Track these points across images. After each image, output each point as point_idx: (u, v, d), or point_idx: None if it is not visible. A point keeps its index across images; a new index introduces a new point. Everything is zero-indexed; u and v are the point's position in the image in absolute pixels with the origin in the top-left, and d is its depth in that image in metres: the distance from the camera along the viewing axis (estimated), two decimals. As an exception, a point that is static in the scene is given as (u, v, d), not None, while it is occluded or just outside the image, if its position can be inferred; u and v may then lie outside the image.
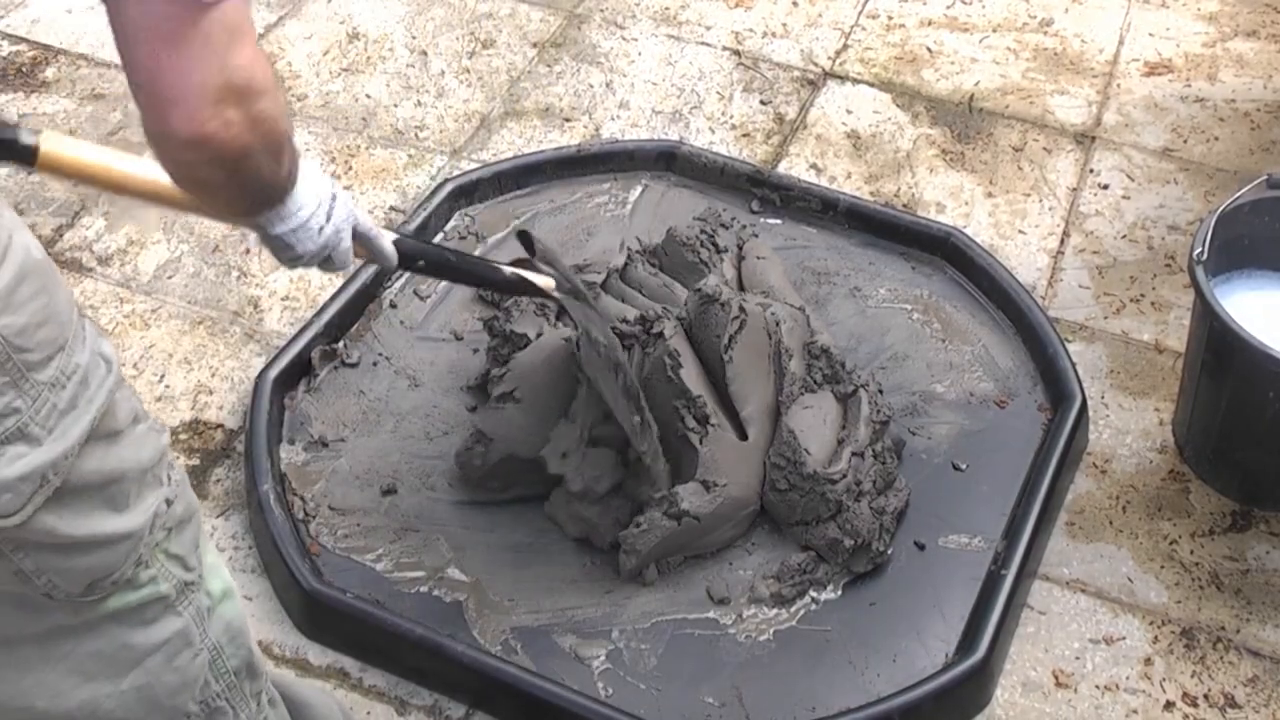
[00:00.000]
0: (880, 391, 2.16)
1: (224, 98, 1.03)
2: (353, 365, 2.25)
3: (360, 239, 1.48)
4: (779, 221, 2.53)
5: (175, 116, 1.03)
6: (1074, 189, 2.62)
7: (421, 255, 1.68)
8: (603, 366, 1.92)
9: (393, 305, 2.35)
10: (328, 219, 1.36)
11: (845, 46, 2.97)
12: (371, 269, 2.34)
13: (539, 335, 2.13)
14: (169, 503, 1.25)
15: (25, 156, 1.24)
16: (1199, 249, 1.96)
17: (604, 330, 1.92)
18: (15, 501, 1.08)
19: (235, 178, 1.13)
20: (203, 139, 1.04)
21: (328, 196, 1.36)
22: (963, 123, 2.77)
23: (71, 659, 1.23)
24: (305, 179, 1.30)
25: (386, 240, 1.55)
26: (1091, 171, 2.66)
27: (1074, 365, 2.21)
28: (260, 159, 1.12)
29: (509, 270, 1.83)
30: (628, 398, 1.90)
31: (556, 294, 1.85)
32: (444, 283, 2.39)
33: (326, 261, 1.40)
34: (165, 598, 1.26)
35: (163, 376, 2.28)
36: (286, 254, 1.35)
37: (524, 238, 1.82)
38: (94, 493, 1.16)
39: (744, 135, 2.74)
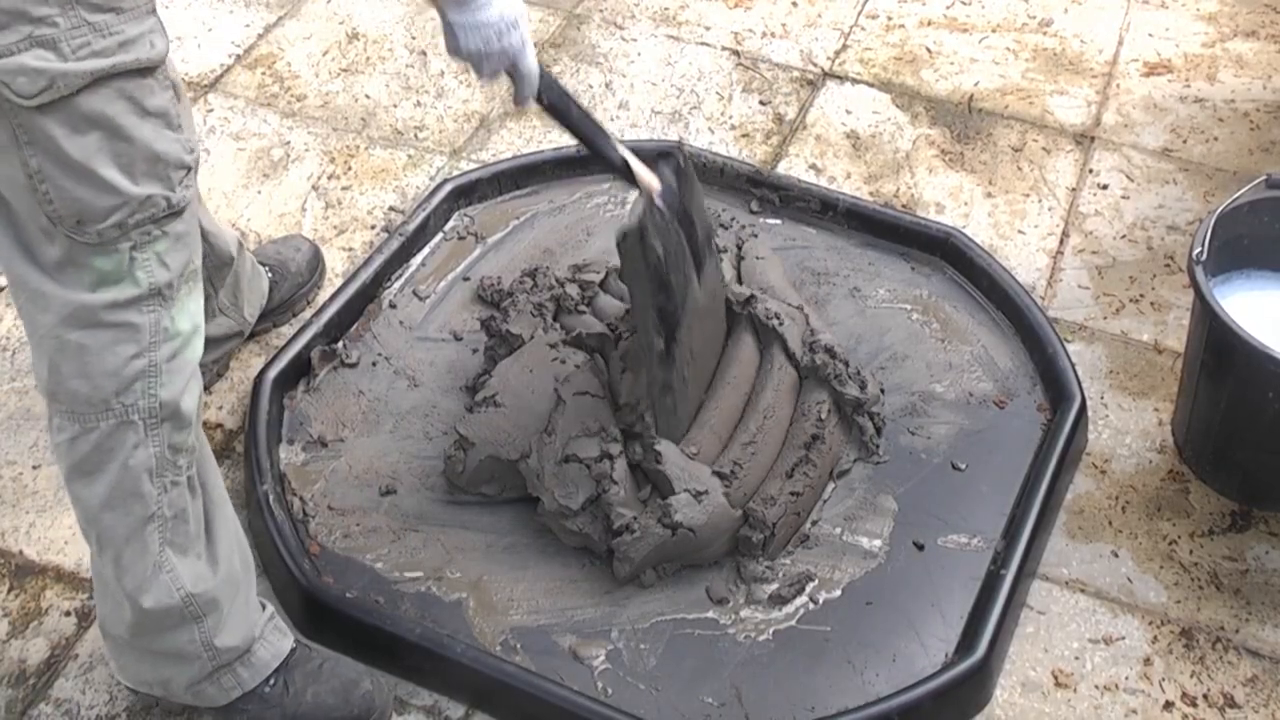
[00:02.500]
0: (882, 391, 2.17)
1: None
2: (352, 365, 2.25)
3: (516, 73, 1.69)
4: (778, 222, 2.53)
5: None
6: (1073, 189, 2.63)
7: (556, 98, 1.81)
8: (649, 276, 1.88)
9: (392, 305, 2.35)
10: (499, 37, 1.61)
11: (844, 47, 2.97)
12: (372, 269, 2.35)
13: (533, 336, 2.14)
14: (169, 205, 1.45)
15: None
16: (1198, 249, 1.96)
17: (680, 258, 1.94)
18: (29, 86, 1.31)
19: None
20: None
21: (512, 18, 1.62)
22: (962, 123, 2.77)
23: (41, 303, 1.46)
24: None
25: (533, 79, 1.72)
26: (1091, 172, 2.66)
27: (1073, 365, 2.21)
28: None
29: (623, 150, 1.90)
30: (661, 319, 1.90)
31: (657, 200, 1.88)
32: (443, 283, 2.39)
33: (478, 66, 1.65)
34: (139, 294, 1.46)
35: (162, 376, 2.28)
36: (450, 42, 1.63)
37: (684, 158, 1.96)
38: (103, 139, 1.37)
39: (743, 135, 2.74)
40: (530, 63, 1.69)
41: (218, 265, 2.09)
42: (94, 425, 1.50)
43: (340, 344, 2.27)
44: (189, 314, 1.53)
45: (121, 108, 1.38)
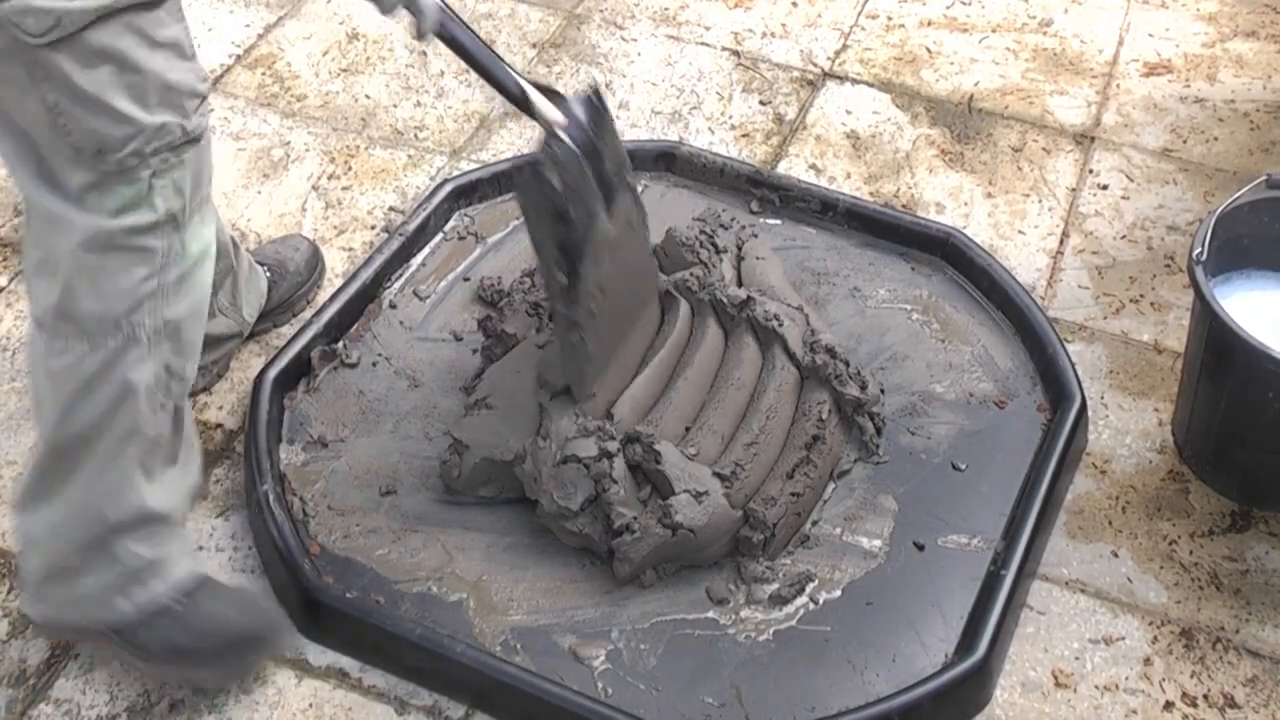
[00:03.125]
0: (882, 391, 2.17)
1: None
2: (352, 365, 2.25)
3: (414, 7, 1.70)
4: (778, 222, 2.53)
5: None
6: (1073, 189, 2.63)
7: (456, 30, 1.79)
8: (547, 209, 1.88)
9: (392, 305, 2.35)
10: None
11: (845, 47, 2.97)
12: (372, 269, 2.35)
13: (525, 337, 2.14)
14: (184, 133, 1.54)
15: None
16: (1198, 249, 1.96)
17: (585, 191, 1.90)
18: (37, 25, 1.39)
19: None
20: None
21: None
22: (962, 123, 2.77)
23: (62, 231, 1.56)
24: None
25: (432, 12, 1.72)
26: (1091, 172, 2.66)
27: (1073, 365, 2.21)
28: None
29: (523, 82, 1.85)
30: (562, 252, 1.88)
31: (560, 133, 1.84)
32: (443, 283, 2.39)
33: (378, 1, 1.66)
34: (156, 220, 1.56)
35: (162, 377, 2.28)
36: None
37: (597, 96, 1.91)
38: (113, 72, 1.46)
39: (743, 135, 2.74)
40: None
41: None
42: (102, 344, 1.60)
43: (340, 344, 2.27)
44: (200, 239, 1.65)
45: (130, 41, 1.46)
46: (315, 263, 2.41)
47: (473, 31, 1.83)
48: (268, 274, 2.29)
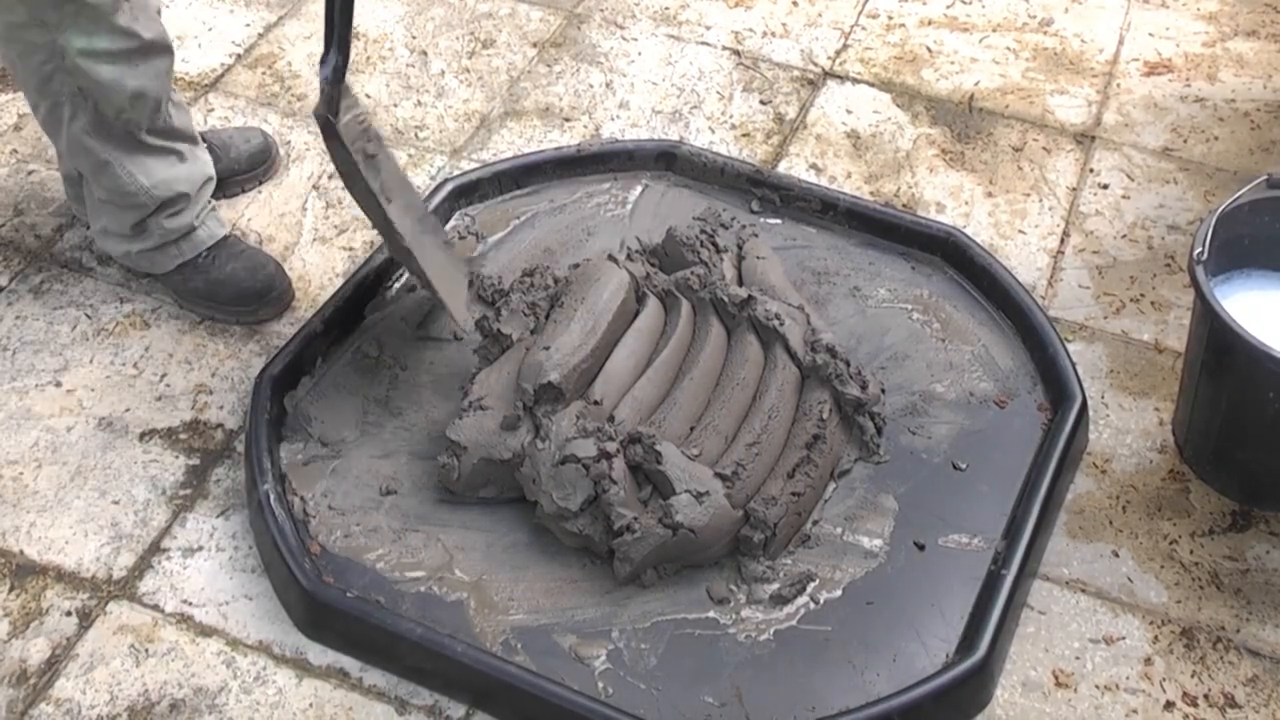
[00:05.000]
0: (883, 391, 2.17)
1: None
2: (353, 365, 2.25)
3: None
4: (779, 221, 2.53)
5: None
6: (1074, 189, 2.63)
7: None
8: (353, 169, 2.10)
9: (393, 305, 2.35)
10: None
11: (845, 46, 2.97)
12: (373, 269, 2.35)
13: (520, 338, 2.14)
14: None
15: None
16: (1199, 249, 1.96)
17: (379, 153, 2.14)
18: None
19: None
20: None
21: None
22: (963, 122, 2.77)
23: None
24: None
25: None
26: (1091, 171, 2.66)
27: (1074, 365, 2.21)
28: None
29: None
30: (378, 197, 2.11)
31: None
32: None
33: None
34: (25, 22, 2.01)
35: (163, 376, 2.28)
36: None
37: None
38: None
39: (744, 135, 2.74)
40: None
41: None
42: (41, 106, 2.17)
43: (341, 344, 2.27)
44: (81, 41, 2.03)
45: None
46: (263, 160, 2.61)
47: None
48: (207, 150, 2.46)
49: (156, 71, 2.15)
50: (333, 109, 2.06)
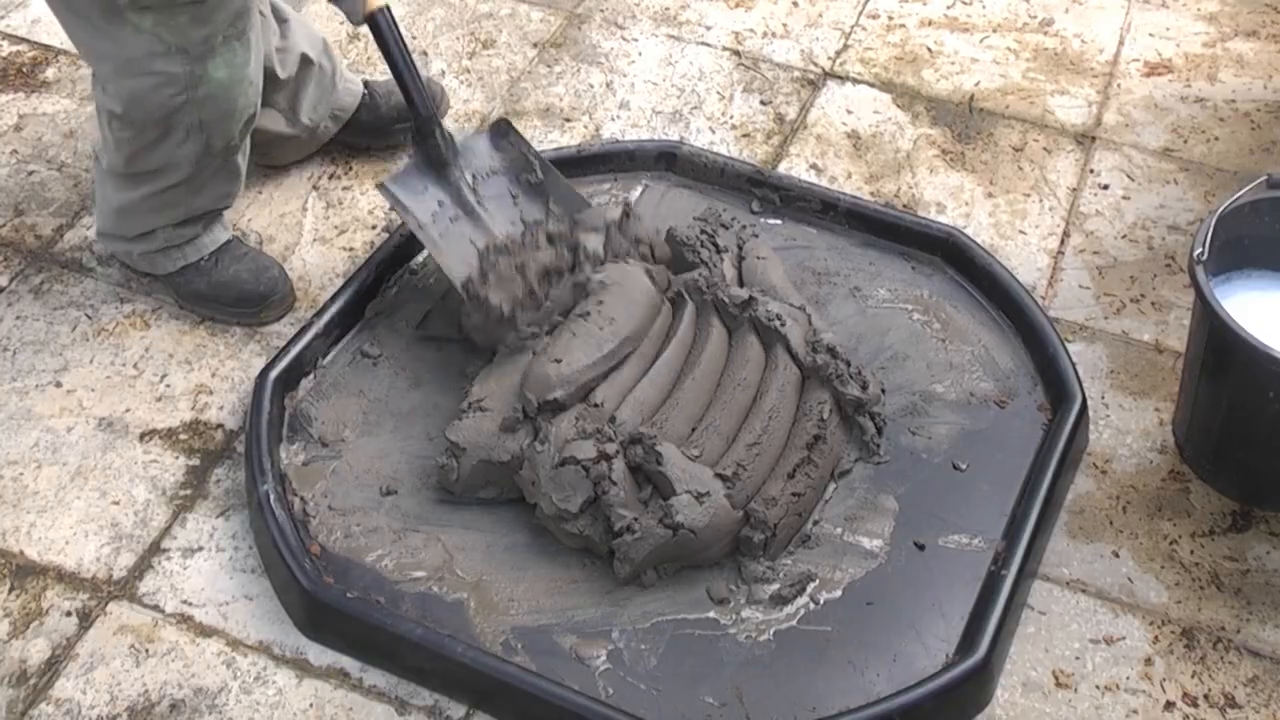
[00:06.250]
0: (883, 391, 2.17)
1: None
2: (353, 365, 2.25)
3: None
4: (779, 222, 2.53)
5: None
6: (1074, 189, 2.63)
7: (387, 28, 2.21)
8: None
9: (393, 305, 2.35)
10: None
11: (845, 47, 2.97)
12: (373, 269, 2.35)
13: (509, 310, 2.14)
14: None
15: None
16: (1199, 249, 1.96)
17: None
18: None
19: None
20: None
21: None
22: (963, 123, 2.77)
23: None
24: None
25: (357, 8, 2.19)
26: (1092, 171, 2.66)
27: (1074, 365, 2.21)
28: None
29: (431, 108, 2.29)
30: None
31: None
32: (445, 283, 2.39)
33: None
34: (166, 50, 2.02)
35: (163, 376, 2.28)
36: None
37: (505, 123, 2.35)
38: None
39: (744, 135, 2.74)
40: None
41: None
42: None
43: (341, 344, 2.27)
44: (227, 66, 2.07)
45: None
46: (403, 117, 2.56)
47: (400, 36, 2.22)
48: (366, 96, 2.58)
49: (259, 94, 2.22)
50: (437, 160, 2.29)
